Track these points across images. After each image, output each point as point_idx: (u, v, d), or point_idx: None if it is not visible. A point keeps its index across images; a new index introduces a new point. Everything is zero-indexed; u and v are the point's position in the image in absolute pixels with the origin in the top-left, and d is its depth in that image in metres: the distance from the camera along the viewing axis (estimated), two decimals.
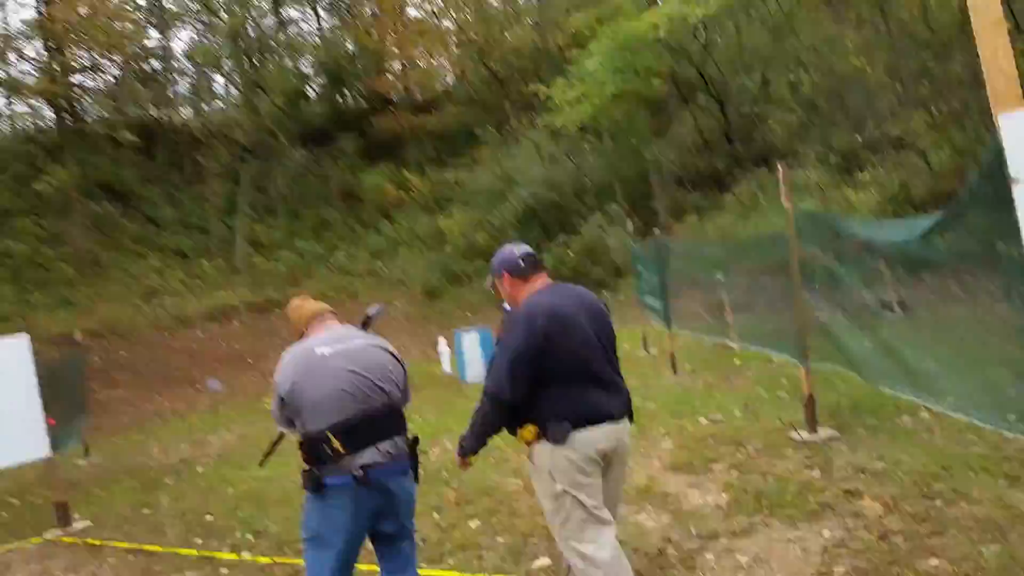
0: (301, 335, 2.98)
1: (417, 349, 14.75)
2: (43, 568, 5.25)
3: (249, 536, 4.94)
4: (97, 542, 5.50)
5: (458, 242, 20.42)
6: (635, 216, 18.22)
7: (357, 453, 2.66)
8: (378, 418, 2.74)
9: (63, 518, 6.18)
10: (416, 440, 2.90)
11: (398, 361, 2.93)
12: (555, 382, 2.59)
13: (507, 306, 3.10)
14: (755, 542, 3.49)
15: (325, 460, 2.66)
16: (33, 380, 6.28)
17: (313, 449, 2.68)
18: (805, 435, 4.95)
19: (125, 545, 5.26)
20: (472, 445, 2.74)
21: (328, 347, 2.79)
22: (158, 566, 4.67)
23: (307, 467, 2.75)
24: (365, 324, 3.14)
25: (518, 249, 2.87)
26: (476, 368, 10.81)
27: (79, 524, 6.22)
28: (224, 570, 4.39)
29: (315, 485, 2.67)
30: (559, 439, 2.56)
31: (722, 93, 19.28)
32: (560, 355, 2.60)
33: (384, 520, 2.79)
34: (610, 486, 2.73)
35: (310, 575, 2.77)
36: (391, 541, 2.87)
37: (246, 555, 4.53)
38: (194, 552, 4.77)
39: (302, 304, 3.09)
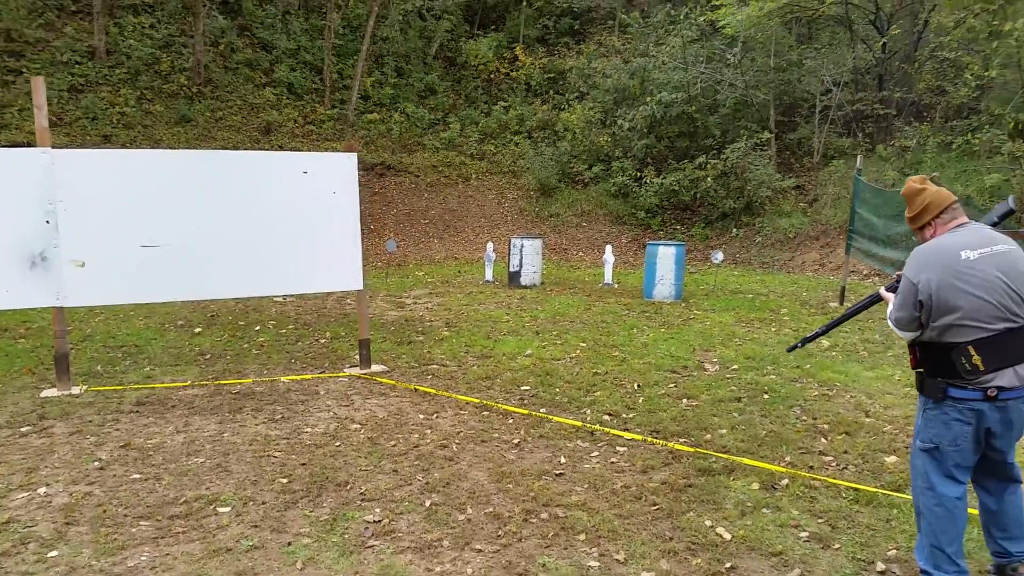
0: (924, 226, 2.78)
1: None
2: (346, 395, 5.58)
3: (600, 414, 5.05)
4: (432, 391, 5.66)
5: (578, 140, 19.59)
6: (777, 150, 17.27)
7: (995, 373, 2.55)
8: (1021, 337, 2.57)
9: (365, 357, 6.31)
10: None
11: None
12: None
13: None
14: None
15: (956, 373, 2.58)
16: (356, 205, 6.20)
17: (943, 359, 2.61)
18: None
19: (463, 397, 5.40)
20: None
21: (973, 250, 2.59)
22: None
23: (924, 373, 2.70)
24: (999, 221, 2.84)
25: None
26: (666, 288, 9.94)
27: (375, 367, 6.37)
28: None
29: (938, 394, 2.64)
30: None
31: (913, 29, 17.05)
32: None
33: (995, 441, 2.66)
34: None
35: (920, 483, 2.76)
36: (996, 463, 2.76)
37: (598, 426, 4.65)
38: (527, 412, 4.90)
39: (928, 190, 2.78)
